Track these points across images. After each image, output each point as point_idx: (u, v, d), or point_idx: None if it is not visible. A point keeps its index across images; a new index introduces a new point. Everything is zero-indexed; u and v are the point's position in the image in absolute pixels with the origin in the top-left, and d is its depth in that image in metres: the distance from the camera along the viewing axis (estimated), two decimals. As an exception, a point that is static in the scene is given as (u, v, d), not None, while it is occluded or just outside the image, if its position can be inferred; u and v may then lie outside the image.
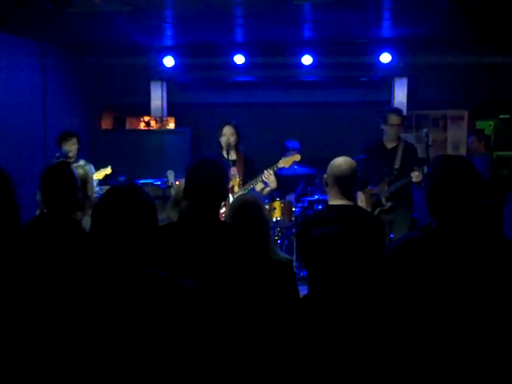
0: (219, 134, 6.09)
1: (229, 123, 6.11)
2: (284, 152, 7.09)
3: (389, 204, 6.03)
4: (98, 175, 6.75)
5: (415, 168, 5.84)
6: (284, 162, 6.05)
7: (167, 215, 3.84)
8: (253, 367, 2.71)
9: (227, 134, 6.03)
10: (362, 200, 6.11)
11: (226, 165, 3.21)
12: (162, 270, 2.80)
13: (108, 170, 6.81)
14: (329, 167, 3.73)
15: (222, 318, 2.75)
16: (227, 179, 3.10)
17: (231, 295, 2.77)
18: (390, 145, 6.22)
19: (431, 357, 2.23)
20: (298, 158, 6.26)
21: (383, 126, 6.22)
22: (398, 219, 6.04)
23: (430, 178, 2.39)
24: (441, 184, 2.32)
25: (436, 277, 2.25)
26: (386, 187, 6.05)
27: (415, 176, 5.82)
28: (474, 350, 2.20)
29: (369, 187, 6.19)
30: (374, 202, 6.09)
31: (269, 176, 5.84)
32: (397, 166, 6.07)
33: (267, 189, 5.99)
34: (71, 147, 6.57)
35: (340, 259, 2.70)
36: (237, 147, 6.10)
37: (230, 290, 2.77)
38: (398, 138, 6.26)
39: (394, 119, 6.14)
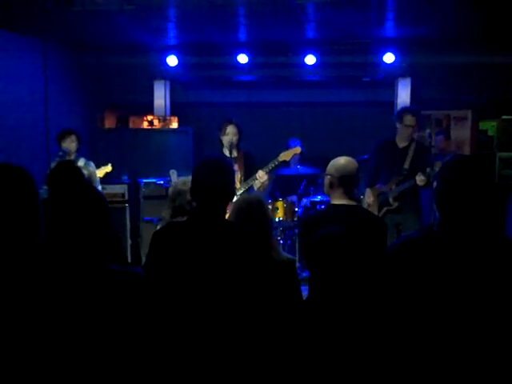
0: (221, 132, 6.06)
1: (231, 122, 6.06)
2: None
3: (396, 204, 5.98)
4: (99, 173, 6.76)
5: (419, 173, 5.75)
6: (285, 156, 6.03)
7: (163, 215, 3.86)
8: (254, 367, 2.71)
9: (230, 134, 6.00)
10: (369, 197, 6.10)
11: (232, 164, 3.19)
12: (167, 268, 2.81)
13: (108, 168, 6.82)
14: (333, 167, 3.69)
15: (224, 315, 2.75)
16: (234, 179, 3.09)
17: (234, 294, 2.77)
18: (401, 144, 6.15)
19: (432, 357, 2.22)
20: (298, 150, 6.25)
21: (397, 125, 6.15)
22: (406, 221, 5.98)
23: (441, 175, 2.38)
24: (449, 182, 2.32)
25: (436, 277, 2.24)
26: (394, 187, 6.01)
27: (420, 180, 5.73)
28: (475, 350, 2.19)
29: (377, 185, 6.17)
30: (381, 201, 6.06)
31: (262, 177, 5.81)
32: (406, 166, 6.01)
33: (262, 186, 5.95)
34: (70, 145, 6.58)
35: (343, 260, 2.69)
36: (238, 145, 6.09)
37: (233, 290, 2.77)
38: (411, 138, 6.21)
39: (409, 120, 6.06)
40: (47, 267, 1.81)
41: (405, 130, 6.08)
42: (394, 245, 2.49)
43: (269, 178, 5.96)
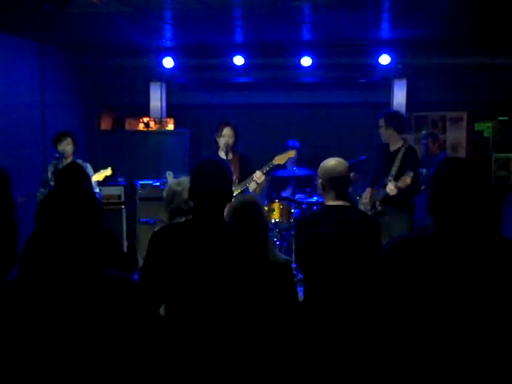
0: (218, 133, 6.04)
1: (228, 124, 6.03)
2: (284, 151, 7.15)
3: (380, 208, 5.99)
4: (98, 176, 6.76)
5: (389, 179, 5.77)
6: (279, 159, 6.05)
7: (161, 217, 3.86)
8: (251, 366, 2.72)
9: (226, 136, 5.97)
10: (366, 197, 6.13)
11: (229, 166, 3.20)
12: (165, 269, 2.81)
13: (108, 172, 6.81)
14: (322, 170, 3.69)
15: (221, 316, 2.76)
16: (232, 180, 3.10)
17: (231, 295, 2.78)
18: (392, 147, 6.16)
19: (425, 357, 2.23)
20: (292, 154, 6.30)
21: None
22: (394, 223, 5.95)
23: (433, 179, 2.38)
24: (442, 184, 2.32)
25: (432, 278, 2.24)
26: (381, 190, 6.03)
27: (389, 189, 5.74)
28: (469, 350, 2.19)
29: (376, 187, 6.21)
30: (372, 203, 6.10)
31: (259, 178, 5.83)
32: (393, 171, 5.98)
33: (259, 187, 5.96)
34: (65, 147, 6.59)
35: (332, 260, 2.70)
36: (234, 147, 6.07)
37: (230, 290, 2.78)
38: (403, 141, 6.20)
39: (379, 121, 6.17)
40: (41, 272, 1.81)
41: (380, 133, 6.20)
42: (388, 245, 2.49)
43: (265, 180, 5.98)
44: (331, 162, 3.70)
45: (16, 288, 1.82)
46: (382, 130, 6.15)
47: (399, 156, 6.05)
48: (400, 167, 5.99)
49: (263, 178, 5.87)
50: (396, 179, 5.90)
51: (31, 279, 1.80)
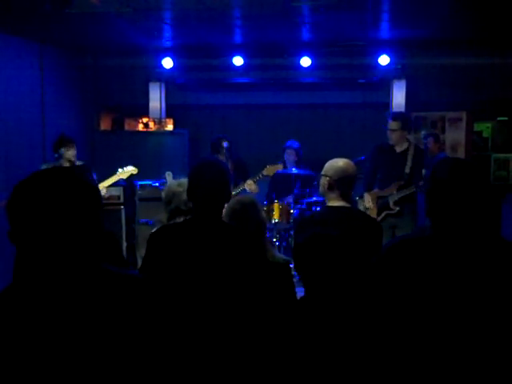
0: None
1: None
2: (283, 151, 7.25)
3: (397, 208, 6.02)
4: (122, 174, 6.84)
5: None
6: (268, 171, 6.49)
7: (160, 218, 3.89)
8: (249, 367, 2.71)
9: None
10: (368, 201, 6.12)
11: (228, 166, 3.22)
12: (164, 269, 2.82)
13: (134, 170, 6.90)
14: (331, 169, 3.69)
15: (220, 316, 2.76)
16: (230, 180, 3.11)
17: (230, 295, 2.78)
18: (399, 148, 6.18)
19: (426, 358, 2.22)
20: (280, 167, 6.72)
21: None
22: (403, 223, 6.03)
23: (431, 180, 2.37)
24: (441, 185, 2.31)
25: (431, 277, 2.24)
26: (395, 191, 6.04)
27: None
28: (469, 351, 2.19)
29: (375, 189, 6.20)
30: (381, 205, 6.08)
31: (250, 185, 6.21)
32: (407, 170, 6.05)
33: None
34: (74, 152, 6.61)
35: (331, 260, 2.69)
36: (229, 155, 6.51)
37: (229, 290, 2.78)
38: (408, 142, 6.24)
39: (390, 124, 6.16)
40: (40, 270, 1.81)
41: (389, 135, 6.18)
42: (388, 244, 2.49)
43: (256, 187, 6.48)
44: (341, 163, 3.70)
45: (17, 285, 1.81)
46: (396, 134, 6.13)
47: (410, 156, 6.08)
48: (413, 166, 6.04)
49: (254, 186, 6.35)
50: (410, 178, 5.99)
51: (30, 276, 1.79)
